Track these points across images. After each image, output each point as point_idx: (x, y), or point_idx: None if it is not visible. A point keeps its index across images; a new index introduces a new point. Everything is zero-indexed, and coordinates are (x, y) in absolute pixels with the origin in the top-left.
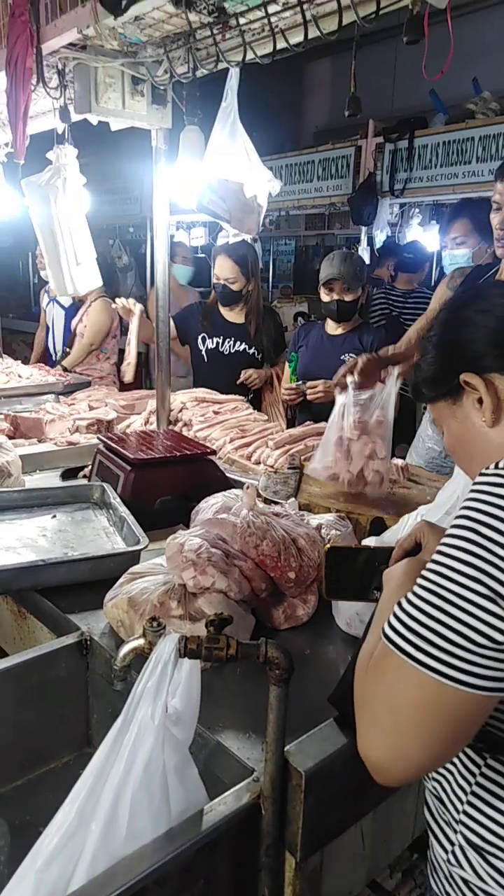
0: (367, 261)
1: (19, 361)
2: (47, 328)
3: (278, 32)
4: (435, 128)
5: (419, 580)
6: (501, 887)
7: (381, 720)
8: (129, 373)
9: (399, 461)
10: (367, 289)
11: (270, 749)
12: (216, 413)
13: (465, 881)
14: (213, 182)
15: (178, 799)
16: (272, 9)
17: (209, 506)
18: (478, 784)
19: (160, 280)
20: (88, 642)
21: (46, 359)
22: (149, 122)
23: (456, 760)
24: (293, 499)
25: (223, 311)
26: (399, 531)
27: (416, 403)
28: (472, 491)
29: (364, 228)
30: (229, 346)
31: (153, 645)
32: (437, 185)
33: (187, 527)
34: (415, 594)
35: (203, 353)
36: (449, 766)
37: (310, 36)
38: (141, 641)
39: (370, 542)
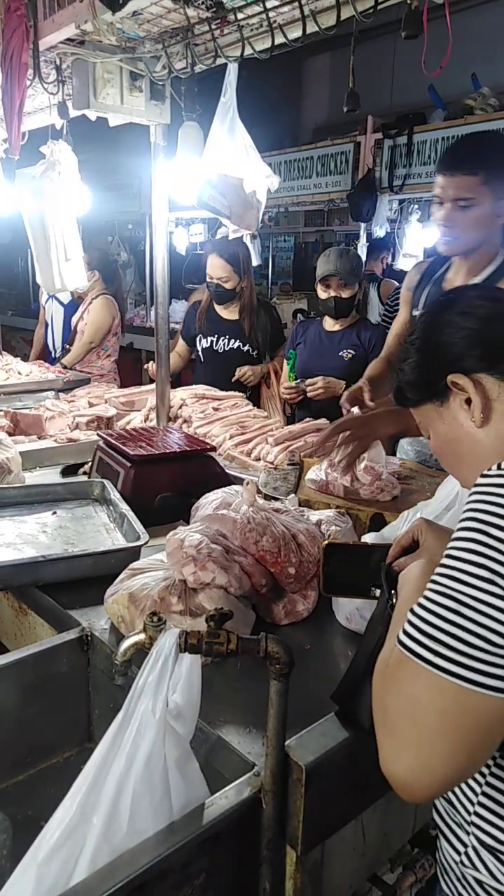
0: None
1: (19, 358)
2: (46, 325)
3: (276, 28)
4: (434, 123)
5: (430, 585)
6: None
7: (403, 731)
8: None
9: (394, 462)
10: (364, 284)
11: (271, 743)
12: (216, 409)
13: (480, 882)
14: (213, 178)
15: (179, 793)
16: (270, 4)
17: (209, 502)
18: (488, 784)
19: (160, 277)
20: (89, 638)
21: (46, 356)
22: (147, 118)
23: None
24: (293, 495)
25: (218, 309)
26: (398, 527)
27: None
28: (476, 493)
29: (363, 224)
30: (224, 344)
31: (154, 640)
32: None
33: (187, 523)
34: (428, 599)
35: (199, 352)
36: None
37: (308, 31)
38: (141, 636)
39: (369, 538)
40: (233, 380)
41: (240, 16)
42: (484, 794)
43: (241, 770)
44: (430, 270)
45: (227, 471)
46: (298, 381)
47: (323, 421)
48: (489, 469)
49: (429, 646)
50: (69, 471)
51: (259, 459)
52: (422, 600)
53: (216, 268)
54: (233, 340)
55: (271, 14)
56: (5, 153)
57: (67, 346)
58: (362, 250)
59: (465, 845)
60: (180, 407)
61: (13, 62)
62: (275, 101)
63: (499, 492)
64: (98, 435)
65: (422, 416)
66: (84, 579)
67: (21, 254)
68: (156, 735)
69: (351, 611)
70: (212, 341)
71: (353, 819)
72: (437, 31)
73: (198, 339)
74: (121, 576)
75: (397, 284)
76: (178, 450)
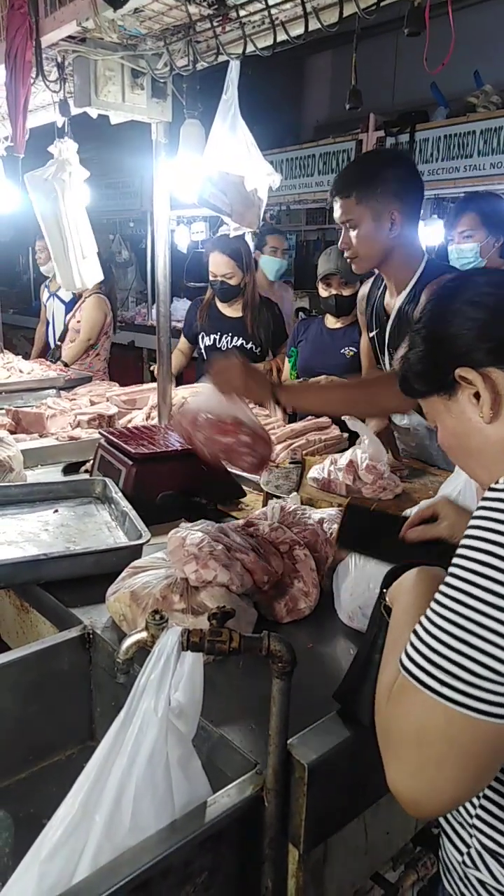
0: None
1: (20, 356)
2: (48, 323)
3: (278, 25)
4: (436, 121)
5: (436, 606)
6: None
7: (409, 757)
8: None
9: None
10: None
11: (273, 742)
12: None
13: (482, 882)
14: (214, 175)
15: (181, 791)
16: (272, 0)
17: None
18: (490, 787)
19: (161, 275)
20: (91, 636)
21: (47, 354)
22: (149, 116)
23: None
24: (295, 493)
25: (220, 306)
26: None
27: None
28: (484, 508)
29: None
30: (227, 342)
31: (156, 638)
32: (438, 179)
33: (189, 521)
34: (432, 623)
35: (202, 350)
36: None
37: (310, 28)
38: (143, 634)
39: None
40: None
41: (242, 13)
42: (486, 797)
43: (244, 768)
44: (371, 294)
45: (229, 469)
46: (301, 380)
47: (324, 419)
48: (497, 482)
49: (436, 675)
50: (71, 469)
51: None
52: (427, 623)
53: (220, 265)
54: (236, 338)
55: (273, 11)
56: (7, 151)
57: (59, 344)
58: None
59: (467, 846)
60: (182, 405)
61: (17, 60)
62: (276, 98)
63: None
64: (99, 433)
65: (429, 408)
66: (86, 577)
67: (22, 252)
68: (158, 733)
69: (353, 609)
70: (214, 339)
71: (355, 817)
72: (439, 28)
73: (200, 337)
74: (122, 574)
75: None
76: (179, 448)
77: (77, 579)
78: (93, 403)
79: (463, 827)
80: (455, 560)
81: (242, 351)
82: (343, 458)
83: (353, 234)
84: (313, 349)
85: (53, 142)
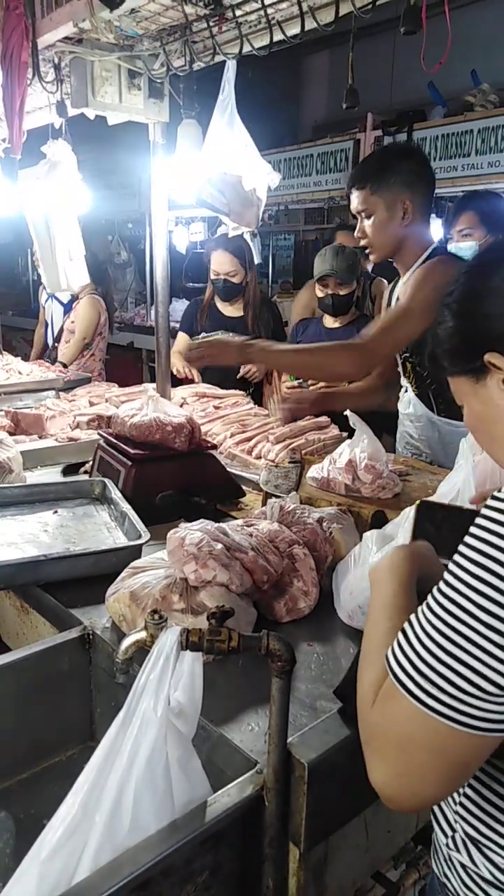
0: None
1: (19, 358)
2: (46, 325)
3: (275, 24)
4: (434, 120)
5: (428, 614)
6: (492, 874)
7: (392, 760)
8: None
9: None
10: (363, 281)
11: (273, 741)
12: (217, 408)
13: (463, 865)
14: (212, 175)
15: (181, 791)
16: (269, 0)
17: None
18: (474, 777)
19: (160, 276)
20: (91, 636)
21: (45, 355)
22: (146, 116)
23: None
24: (294, 493)
25: (220, 305)
26: (401, 524)
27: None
28: (486, 518)
29: None
30: None
31: (155, 638)
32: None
33: (188, 521)
34: (423, 631)
35: None
36: None
37: (306, 27)
38: (143, 634)
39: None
40: (237, 377)
41: (238, 13)
42: (470, 786)
43: (244, 768)
44: (396, 283)
45: (228, 469)
46: (300, 381)
47: (324, 419)
48: (500, 489)
49: (423, 686)
50: (70, 470)
51: (260, 457)
52: (418, 629)
53: (223, 263)
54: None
55: (270, 11)
56: (5, 152)
57: (56, 345)
58: None
59: (453, 830)
60: (181, 405)
61: (13, 61)
62: (274, 98)
63: None
64: (99, 434)
65: (457, 387)
66: (85, 578)
67: (22, 254)
68: (157, 733)
69: (353, 608)
70: None
71: (356, 816)
72: (436, 27)
73: (201, 337)
74: (122, 574)
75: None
76: (177, 449)
77: (77, 580)
78: (92, 404)
79: (449, 813)
80: (452, 567)
81: None
82: (342, 457)
83: (367, 223)
84: None
85: (48, 143)
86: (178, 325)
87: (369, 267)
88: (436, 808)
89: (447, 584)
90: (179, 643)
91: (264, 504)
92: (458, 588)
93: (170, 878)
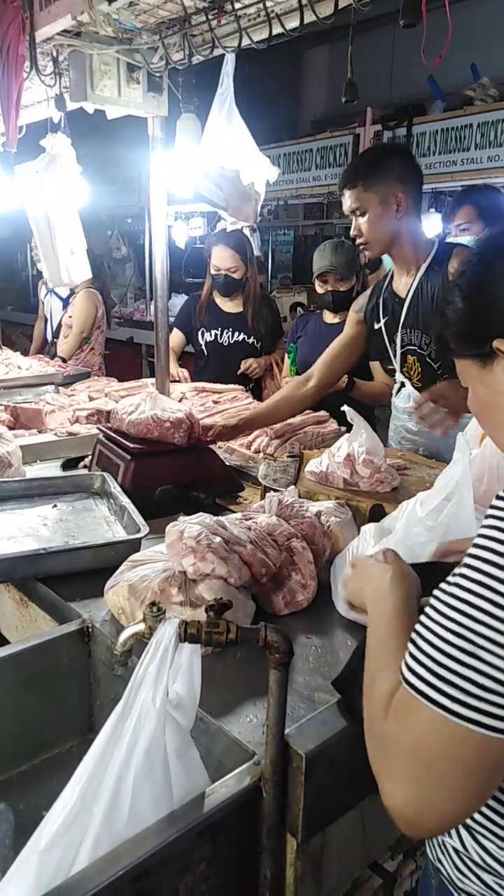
0: None
1: (19, 353)
2: (46, 320)
3: (274, 17)
4: (433, 115)
5: (438, 617)
6: (482, 859)
7: (410, 775)
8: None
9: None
10: (363, 275)
11: (271, 732)
12: (216, 403)
13: (456, 850)
14: (210, 170)
15: (179, 782)
16: None
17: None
18: None
19: (159, 271)
20: (90, 629)
21: (44, 350)
22: (145, 110)
23: None
24: (293, 486)
25: (220, 301)
26: (398, 517)
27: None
28: (494, 517)
29: None
30: (228, 337)
31: (153, 630)
32: (435, 173)
33: (187, 515)
34: (436, 635)
35: (202, 346)
36: None
37: (306, 21)
38: (141, 626)
39: (369, 528)
40: (238, 372)
41: (237, 5)
42: None
43: (242, 759)
44: (373, 292)
45: (227, 463)
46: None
47: (323, 413)
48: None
49: (443, 690)
50: (69, 464)
51: (259, 452)
52: (430, 636)
53: (225, 258)
54: (237, 333)
55: (269, 4)
56: (2, 146)
57: (54, 340)
58: None
59: None
60: (180, 400)
61: (10, 54)
62: (273, 93)
63: None
64: (98, 428)
65: (463, 369)
66: (85, 571)
67: (21, 249)
68: (156, 724)
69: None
70: (216, 335)
71: (353, 807)
72: (436, 21)
73: (200, 333)
74: (121, 567)
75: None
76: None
77: (76, 573)
78: (91, 399)
79: None
80: (462, 569)
81: (244, 345)
82: (340, 451)
83: (362, 220)
84: (312, 345)
85: (47, 136)
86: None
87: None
88: None
89: (458, 585)
90: (178, 635)
91: (263, 498)
92: (470, 588)
93: (168, 868)
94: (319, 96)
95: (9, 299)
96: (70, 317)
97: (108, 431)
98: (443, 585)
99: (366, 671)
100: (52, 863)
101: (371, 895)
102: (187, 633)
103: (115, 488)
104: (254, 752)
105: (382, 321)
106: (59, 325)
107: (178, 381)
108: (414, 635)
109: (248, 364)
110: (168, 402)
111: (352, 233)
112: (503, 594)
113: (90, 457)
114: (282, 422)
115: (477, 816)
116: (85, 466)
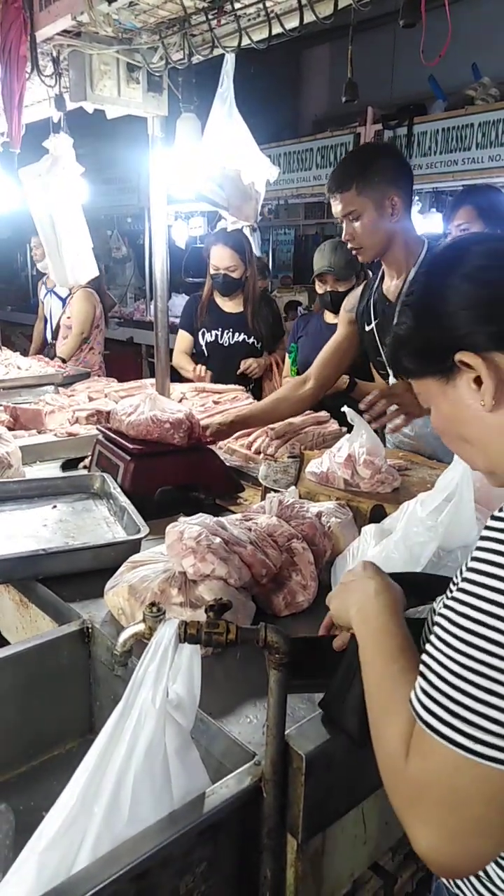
0: None
1: (18, 353)
2: (45, 320)
3: (273, 17)
4: (434, 114)
5: (448, 651)
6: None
7: (441, 822)
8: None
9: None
10: (363, 275)
11: (271, 733)
12: (216, 403)
13: (477, 876)
14: (211, 169)
15: (179, 782)
16: None
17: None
18: None
19: (159, 271)
20: (90, 630)
21: (44, 351)
22: (145, 110)
23: None
24: (293, 487)
25: (220, 301)
26: (399, 518)
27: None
28: (489, 539)
29: None
30: (228, 338)
31: (153, 630)
32: (436, 173)
33: (187, 516)
34: (449, 671)
35: (203, 346)
36: None
37: (305, 20)
38: (141, 627)
39: (369, 529)
40: (238, 372)
41: (237, 5)
42: None
43: (242, 759)
44: (368, 285)
45: (228, 464)
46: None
47: (323, 414)
48: (500, 509)
49: (467, 732)
50: (69, 465)
51: (259, 452)
52: (441, 670)
53: (223, 258)
54: (237, 333)
55: (268, 3)
56: (4, 146)
57: (53, 342)
58: None
59: None
60: (180, 401)
61: (11, 55)
62: (274, 92)
63: None
64: (98, 429)
65: (422, 389)
66: (85, 572)
67: (20, 249)
68: (156, 725)
69: None
70: (216, 335)
71: (353, 807)
72: (436, 21)
73: (200, 333)
74: (121, 568)
75: None
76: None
77: (76, 574)
78: (91, 399)
79: None
80: (461, 596)
81: (245, 346)
82: (341, 452)
83: (356, 225)
84: (313, 344)
85: (50, 136)
86: (177, 321)
87: None
88: None
89: (462, 614)
90: (178, 636)
91: (263, 499)
92: (476, 618)
93: (168, 868)
94: (320, 96)
95: (8, 299)
96: (68, 317)
97: (108, 432)
98: (445, 611)
99: (368, 702)
100: (53, 863)
101: None
102: (187, 634)
103: (114, 489)
104: (254, 752)
105: (374, 323)
106: (58, 326)
107: (204, 380)
108: (423, 668)
109: (248, 364)
110: (168, 402)
111: (344, 237)
112: None
113: (90, 457)
114: (279, 421)
115: None
116: (85, 467)
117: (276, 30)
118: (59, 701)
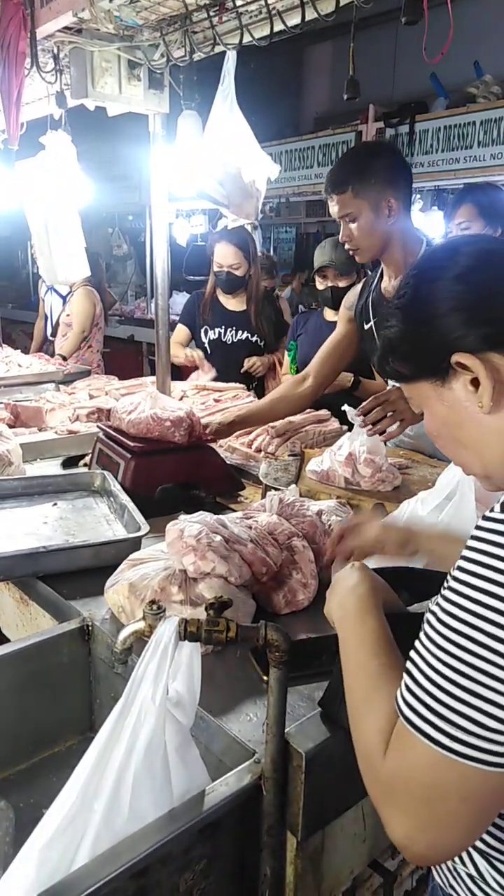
0: None
1: (19, 351)
2: (46, 317)
3: (275, 14)
4: (436, 112)
5: (435, 650)
6: (499, 884)
7: (416, 814)
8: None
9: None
10: (363, 273)
11: (271, 731)
12: (217, 401)
13: (470, 876)
14: (211, 166)
15: (179, 780)
16: None
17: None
18: None
19: (160, 269)
20: (90, 628)
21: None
22: (146, 108)
23: None
24: (294, 485)
25: (223, 299)
26: (400, 516)
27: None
28: (479, 540)
29: None
30: (231, 336)
31: (153, 628)
32: (438, 171)
33: (188, 514)
34: (434, 670)
35: (206, 344)
36: None
37: (307, 18)
38: (141, 625)
39: None
40: (241, 371)
41: (238, 2)
42: None
43: (242, 757)
44: (367, 282)
45: (228, 462)
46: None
47: (324, 412)
48: (491, 510)
49: (447, 731)
50: (70, 462)
51: (260, 450)
52: (427, 670)
53: (227, 255)
54: (240, 331)
55: (270, 1)
56: (3, 144)
57: (52, 340)
58: None
59: None
60: (181, 399)
61: (10, 51)
62: (275, 90)
63: None
64: (98, 427)
65: (415, 393)
66: (85, 570)
67: (22, 246)
68: (156, 722)
69: None
70: (219, 333)
71: (353, 805)
72: (438, 18)
73: (203, 331)
74: (121, 566)
75: None
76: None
77: (76, 572)
78: (92, 397)
79: None
80: (450, 595)
81: (248, 344)
82: (341, 451)
83: (353, 226)
84: (313, 342)
85: (47, 133)
86: (178, 318)
87: None
88: None
89: (449, 614)
90: (178, 633)
91: (264, 497)
92: (464, 618)
93: (168, 865)
94: (322, 93)
95: (9, 297)
96: (68, 315)
97: (109, 430)
98: (435, 609)
99: (348, 695)
100: (53, 859)
101: (371, 894)
102: (187, 632)
103: (115, 487)
104: (254, 750)
105: (372, 321)
106: (57, 323)
107: (196, 364)
108: (410, 666)
109: (252, 362)
110: (168, 400)
111: (341, 238)
112: (499, 626)
113: (90, 455)
114: (278, 420)
115: (491, 841)
116: (85, 465)
117: (278, 27)
118: (60, 698)
